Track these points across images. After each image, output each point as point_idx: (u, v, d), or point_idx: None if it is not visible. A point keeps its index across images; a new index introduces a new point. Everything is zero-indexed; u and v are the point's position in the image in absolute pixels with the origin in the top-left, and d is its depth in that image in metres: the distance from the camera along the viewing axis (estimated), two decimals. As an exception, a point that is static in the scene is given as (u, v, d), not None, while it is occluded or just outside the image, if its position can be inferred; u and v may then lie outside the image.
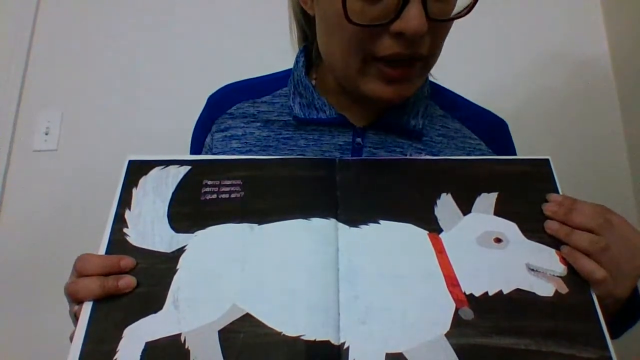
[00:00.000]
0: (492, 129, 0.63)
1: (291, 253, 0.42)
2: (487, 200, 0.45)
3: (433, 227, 0.43)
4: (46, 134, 1.27)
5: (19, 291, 1.19)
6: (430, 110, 0.60)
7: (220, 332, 0.38)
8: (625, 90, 1.16)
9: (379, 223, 0.44)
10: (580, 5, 1.24)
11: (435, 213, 0.44)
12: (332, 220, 0.44)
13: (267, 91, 0.63)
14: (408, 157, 0.55)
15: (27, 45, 1.34)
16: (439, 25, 0.46)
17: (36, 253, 1.20)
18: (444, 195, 0.45)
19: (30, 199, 1.23)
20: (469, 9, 0.47)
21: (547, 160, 0.47)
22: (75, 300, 0.41)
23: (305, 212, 0.44)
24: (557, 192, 0.45)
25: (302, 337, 0.38)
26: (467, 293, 0.40)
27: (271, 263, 0.42)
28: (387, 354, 0.37)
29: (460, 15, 0.47)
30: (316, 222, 0.44)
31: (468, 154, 0.59)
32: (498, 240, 0.43)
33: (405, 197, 0.45)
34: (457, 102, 0.65)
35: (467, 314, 0.39)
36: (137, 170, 0.47)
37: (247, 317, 0.39)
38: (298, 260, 0.42)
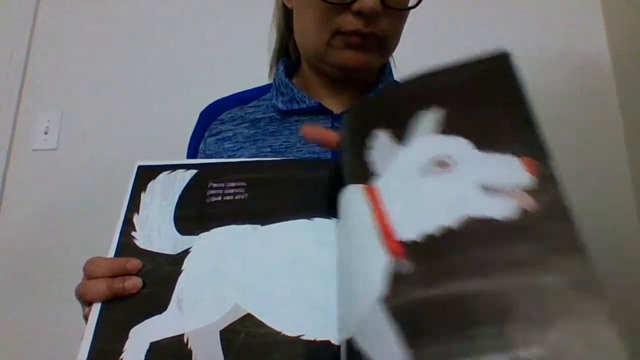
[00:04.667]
0: None
1: (292, 253, 0.42)
2: (428, 119, 0.36)
3: None
4: (45, 133, 1.28)
5: (18, 290, 1.19)
6: None
7: (221, 332, 0.38)
8: (625, 90, 1.16)
9: None
10: (580, 5, 1.24)
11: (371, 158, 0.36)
12: (334, 220, 0.43)
13: (253, 98, 0.70)
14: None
15: (27, 45, 1.34)
16: (393, 12, 0.58)
17: (35, 251, 1.20)
18: (380, 133, 0.37)
19: (29, 198, 1.24)
20: (418, 1, 0.59)
21: (505, 55, 0.38)
22: (85, 301, 0.42)
23: (307, 212, 0.44)
24: (523, 91, 0.36)
25: (301, 337, 0.38)
26: (404, 240, 0.31)
27: (272, 263, 0.42)
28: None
29: (412, 6, 0.59)
30: (318, 222, 0.44)
31: None
32: (443, 164, 0.33)
33: None
34: None
35: (403, 267, 0.30)
36: (146, 175, 0.48)
37: (248, 317, 0.39)
38: (299, 260, 0.42)
